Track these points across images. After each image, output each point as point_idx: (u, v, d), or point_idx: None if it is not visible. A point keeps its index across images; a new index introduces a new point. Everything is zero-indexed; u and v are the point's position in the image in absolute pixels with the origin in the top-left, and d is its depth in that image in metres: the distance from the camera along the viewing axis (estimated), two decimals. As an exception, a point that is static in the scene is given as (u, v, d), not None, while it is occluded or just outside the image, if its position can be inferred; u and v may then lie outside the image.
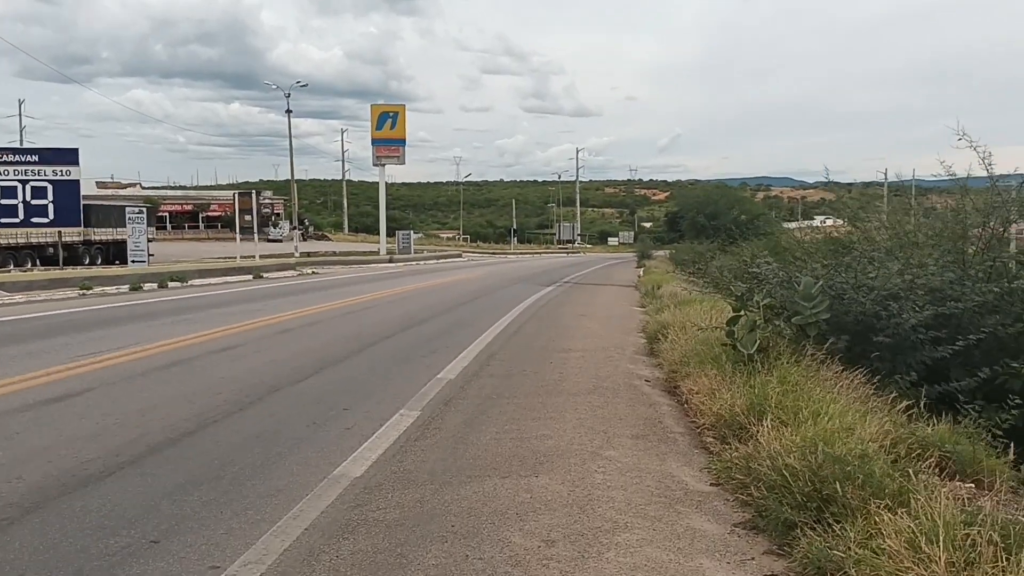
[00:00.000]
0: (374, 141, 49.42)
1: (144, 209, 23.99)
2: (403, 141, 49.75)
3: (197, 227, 79.85)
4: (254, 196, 27.14)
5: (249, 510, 3.95)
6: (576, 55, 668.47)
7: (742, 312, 6.86)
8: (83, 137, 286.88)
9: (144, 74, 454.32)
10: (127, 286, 18.96)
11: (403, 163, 50.49)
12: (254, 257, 27.65)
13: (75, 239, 32.77)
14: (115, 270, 22.91)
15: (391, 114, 49.48)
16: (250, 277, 24.13)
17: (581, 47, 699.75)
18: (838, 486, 3.56)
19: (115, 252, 35.55)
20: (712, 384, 6.01)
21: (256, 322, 11.69)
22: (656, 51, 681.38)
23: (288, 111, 49.88)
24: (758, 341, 6.33)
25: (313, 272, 28.99)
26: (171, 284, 20.13)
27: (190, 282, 21.04)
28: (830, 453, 3.80)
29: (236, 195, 27.38)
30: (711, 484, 4.58)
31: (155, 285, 19.64)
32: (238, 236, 27.79)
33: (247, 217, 27.11)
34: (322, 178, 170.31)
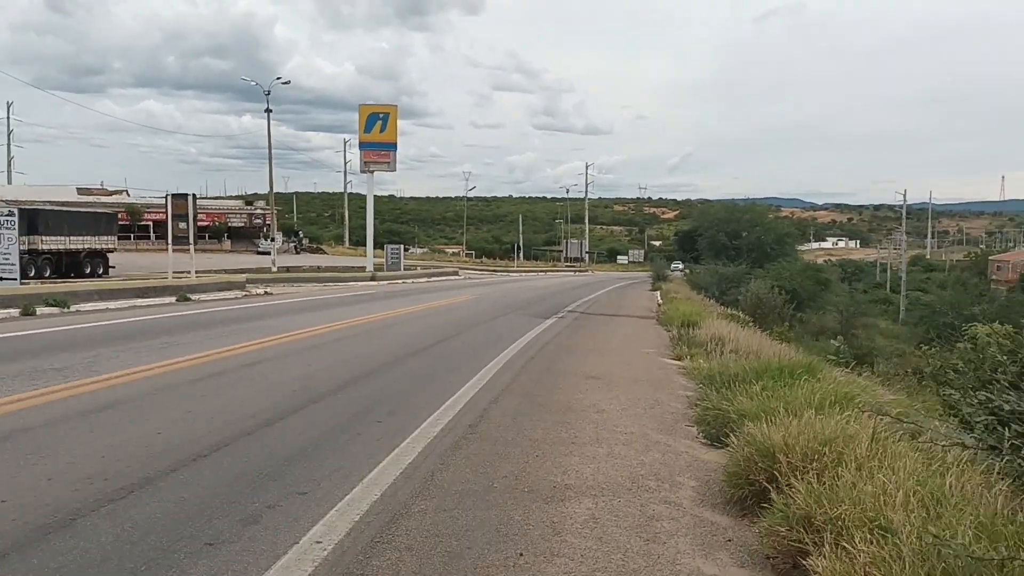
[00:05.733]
0: (362, 145, 44.22)
1: (14, 212, 19.09)
2: (394, 145, 44.52)
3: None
4: (190, 200, 22.12)
5: None
6: (587, 74, 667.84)
7: None
8: (95, 147, 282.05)
9: (156, 85, 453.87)
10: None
11: (393, 169, 45.29)
12: (190, 273, 22.60)
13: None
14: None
15: (381, 115, 44.27)
16: (172, 300, 19.05)
17: (592, 66, 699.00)
18: None
19: (68, 263, 31.74)
20: None
21: (26, 397, 6.61)
22: (667, 70, 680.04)
23: (268, 110, 44.96)
24: None
25: (266, 292, 23.93)
26: (42, 311, 15.09)
27: (75, 307, 15.93)
28: None
29: (169, 198, 22.33)
30: None
31: (16, 312, 14.60)
32: (170, 247, 22.73)
33: (182, 225, 22.15)
34: (331, 191, 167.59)
